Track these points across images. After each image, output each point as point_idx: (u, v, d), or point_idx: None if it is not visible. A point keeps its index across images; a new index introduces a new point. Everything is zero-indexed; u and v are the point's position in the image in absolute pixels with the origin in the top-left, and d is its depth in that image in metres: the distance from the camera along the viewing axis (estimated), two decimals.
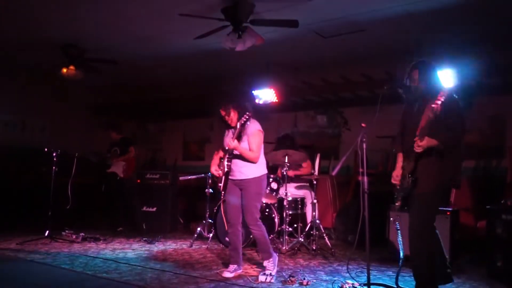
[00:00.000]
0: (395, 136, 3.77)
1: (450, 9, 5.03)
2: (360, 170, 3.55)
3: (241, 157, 4.03)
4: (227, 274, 4.02)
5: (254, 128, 4.04)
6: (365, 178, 3.50)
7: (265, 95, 7.12)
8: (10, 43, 6.78)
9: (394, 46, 6.39)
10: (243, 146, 4.00)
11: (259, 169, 4.08)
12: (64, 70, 6.76)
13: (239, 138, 3.97)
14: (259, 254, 4.64)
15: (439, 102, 3.11)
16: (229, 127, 4.15)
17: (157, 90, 9.23)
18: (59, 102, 8.92)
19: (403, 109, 3.65)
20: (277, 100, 7.13)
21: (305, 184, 6.09)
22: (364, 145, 3.51)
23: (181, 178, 7.06)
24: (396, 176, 3.57)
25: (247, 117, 3.91)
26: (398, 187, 3.55)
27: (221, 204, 4.46)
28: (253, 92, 7.16)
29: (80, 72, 6.83)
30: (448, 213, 4.43)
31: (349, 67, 6.95)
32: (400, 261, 3.84)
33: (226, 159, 4.08)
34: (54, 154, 5.79)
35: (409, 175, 3.35)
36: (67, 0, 5.15)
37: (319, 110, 7.63)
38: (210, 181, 6.08)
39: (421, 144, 3.18)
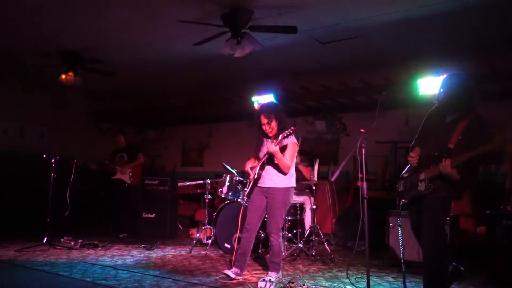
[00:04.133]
0: (413, 144, 3.66)
1: (449, 15, 5.06)
2: (359, 175, 3.55)
3: (274, 165, 4.06)
4: (228, 273, 4.05)
5: (291, 140, 4.10)
6: (364, 184, 3.50)
7: (264, 100, 7.13)
8: (10, 50, 6.79)
9: (392, 52, 6.42)
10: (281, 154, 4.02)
11: (289, 180, 4.11)
12: (63, 76, 6.76)
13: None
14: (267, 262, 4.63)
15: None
16: (266, 136, 4.19)
17: (156, 97, 9.25)
18: (58, 108, 8.94)
19: (428, 115, 3.61)
20: None
21: (304, 190, 6.08)
22: (363, 151, 3.51)
23: (180, 184, 7.04)
24: (413, 156, 3.50)
25: (291, 131, 3.95)
26: (409, 187, 3.53)
27: (242, 208, 4.44)
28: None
29: (79, 78, 6.83)
30: (448, 218, 4.41)
31: (347, 73, 6.98)
32: (403, 266, 3.82)
33: (258, 167, 4.12)
34: (52, 161, 5.76)
35: (428, 181, 3.35)
36: (66, 8, 5.17)
37: (318, 116, 7.63)
38: (209, 187, 6.07)
39: (447, 171, 3.20)
